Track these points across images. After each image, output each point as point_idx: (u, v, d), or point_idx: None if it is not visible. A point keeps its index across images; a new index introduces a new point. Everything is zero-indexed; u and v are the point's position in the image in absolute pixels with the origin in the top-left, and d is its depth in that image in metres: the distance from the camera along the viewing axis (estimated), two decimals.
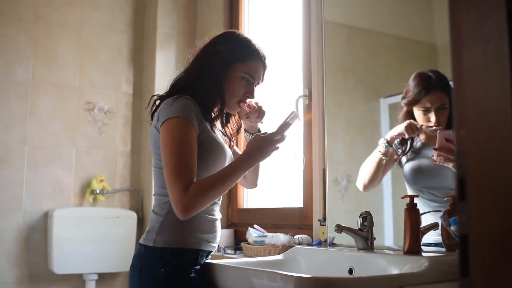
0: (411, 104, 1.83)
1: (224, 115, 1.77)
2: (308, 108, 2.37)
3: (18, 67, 3.07)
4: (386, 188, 2.13)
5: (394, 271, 1.47)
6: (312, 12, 2.34)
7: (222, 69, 1.65)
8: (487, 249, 0.79)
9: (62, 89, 3.17)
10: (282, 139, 1.63)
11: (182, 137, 1.54)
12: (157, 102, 1.68)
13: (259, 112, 1.77)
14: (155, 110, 1.66)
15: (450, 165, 1.64)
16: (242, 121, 1.83)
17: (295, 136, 2.52)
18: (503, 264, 0.76)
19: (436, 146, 1.63)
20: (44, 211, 3.04)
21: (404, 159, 1.91)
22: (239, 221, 2.88)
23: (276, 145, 1.62)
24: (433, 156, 1.66)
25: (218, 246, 2.52)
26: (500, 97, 0.79)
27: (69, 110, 3.18)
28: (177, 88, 1.67)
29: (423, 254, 1.55)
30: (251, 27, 3.05)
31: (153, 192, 1.68)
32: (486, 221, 0.79)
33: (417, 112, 1.83)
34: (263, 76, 1.73)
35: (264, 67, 1.72)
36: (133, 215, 3.16)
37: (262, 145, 1.60)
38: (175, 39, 3.30)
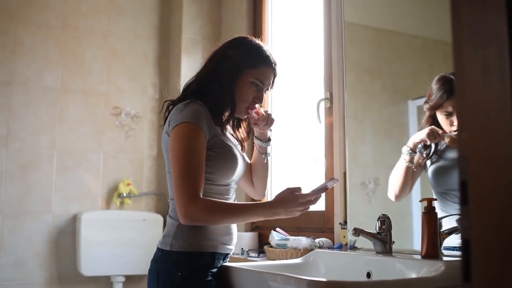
0: (433, 108, 1.81)
1: (235, 120, 1.78)
2: (329, 111, 2.36)
3: (47, 74, 3.15)
4: (415, 192, 2.10)
5: (411, 275, 1.45)
6: (332, 14, 2.33)
7: (233, 74, 1.66)
8: (488, 253, 0.77)
9: (89, 94, 3.25)
10: (313, 201, 1.63)
11: (191, 143, 1.55)
12: (170, 107, 1.70)
13: (267, 120, 1.77)
14: (168, 115, 1.68)
15: None
16: (252, 127, 1.83)
17: (316, 139, 2.52)
18: (505, 269, 0.75)
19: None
20: (73, 214, 3.11)
21: (428, 162, 1.88)
22: (263, 224, 2.88)
23: (305, 207, 1.61)
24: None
25: (242, 249, 2.55)
26: (501, 100, 0.78)
27: (96, 115, 3.25)
28: (189, 92, 1.69)
29: (442, 258, 1.53)
30: (274, 31, 3.06)
31: (169, 197, 1.69)
32: (487, 225, 0.78)
33: (440, 116, 1.80)
34: (273, 83, 1.74)
35: (275, 74, 1.73)
36: (159, 218, 3.20)
37: (288, 203, 1.60)
38: (200, 44, 3.33)
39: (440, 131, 1.79)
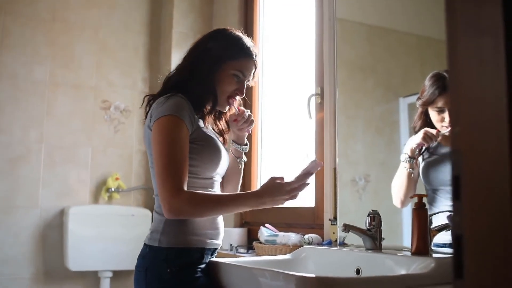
0: (425, 104, 1.81)
1: (217, 112, 1.77)
2: (320, 106, 2.35)
3: (36, 67, 3.11)
4: None
5: (401, 271, 1.44)
6: (324, 10, 2.32)
7: (214, 66, 1.65)
8: (481, 249, 0.76)
9: (79, 88, 3.21)
10: (300, 188, 1.59)
11: (173, 135, 1.53)
12: (151, 101, 1.68)
13: (247, 119, 1.76)
14: (149, 109, 1.66)
15: None
16: (231, 128, 1.82)
17: (307, 134, 2.51)
18: (497, 265, 0.74)
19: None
20: (60, 208, 3.08)
21: (420, 159, 1.88)
22: (252, 220, 2.87)
23: (291, 195, 1.58)
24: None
25: (231, 245, 2.53)
26: (496, 92, 0.76)
27: (85, 109, 3.22)
28: (170, 86, 1.67)
29: (432, 255, 1.52)
30: (266, 26, 3.04)
31: (154, 193, 1.67)
32: (480, 220, 0.77)
33: (432, 113, 1.80)
34: (254, 74, 1.73)
35: (255, 65, 1.71)
36: (148, 213, 3.18)
37: (275, 192, 1.57)
38: (191, 39, 3.29)
39: (435, 131, 1.79)
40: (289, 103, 2.77)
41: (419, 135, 1.80)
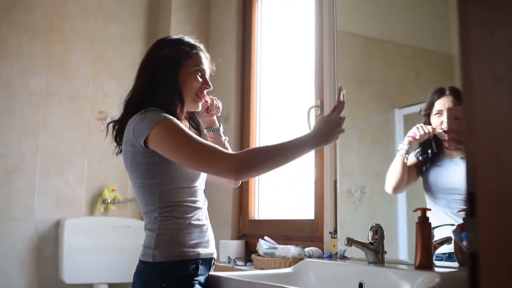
0: (427, 109, 1.87)
1: (189, 116, 1.78)
2: None
3: (32, 77, 3.09)
4: (401, 200, 2.10)
5: (405, 286, 1.44)
6: (324, 22, 2.32)
7: (173, 70, 1.66)
8: (497, 267, 0.76)
9: (75, 99, 3.19)
10: (343, 120, 1.62)
11: (181, 127, 1.55)
12: (115, 127, 1.70)
13: (213, 108, 1.81)
14: (118, 135, 1.68)
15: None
16: (200, 119, 1.84)
17: None
18: None
19: (446, 128, 1.59)
20: (56, 220, 3.05)
21: (424, 169, 1.89)
22: (250, 233, 2.85)
23: (342, 127, 1.61)
24: (445, 142, 1.63)
25: (229, 257, 2.52)
26: (510, 110, 0.76)
27: (81, 120, 3.20)
28: (132, 106, 1.66)
29: (435, 269, 1.51)
30: (264, 37, 3.05)
31: (142, 211, 1.66)
32: (496, 238, 0.76)
33: (433, 119, 1.85)
34: (211, 65, 1.76)
35: (207, 56, 1.75)
36: None
37: (331, 130, 1.59)
38: None
39: (430, 127, 1.83)
40: (288, 115, 2.77)
41: (413, 128, 1.87)
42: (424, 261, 1.51)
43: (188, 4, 3.36)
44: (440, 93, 1.84)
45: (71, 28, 3.22)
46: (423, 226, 1.54)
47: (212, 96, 1.80)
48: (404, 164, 1.90)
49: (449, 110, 1.61)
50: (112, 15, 3.36)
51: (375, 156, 2.22)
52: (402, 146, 1.92)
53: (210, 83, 1.74)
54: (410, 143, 1.89)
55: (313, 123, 2.36)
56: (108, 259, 3.00)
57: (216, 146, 1.56)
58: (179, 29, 3.26)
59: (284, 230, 2.58)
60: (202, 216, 1.65)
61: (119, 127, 1.69)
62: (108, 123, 1.74)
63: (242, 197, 2.94)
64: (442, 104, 1.81)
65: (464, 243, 1.26)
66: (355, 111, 2.26)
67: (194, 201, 1.64)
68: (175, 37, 1.76)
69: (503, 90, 0.77)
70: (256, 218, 2.90)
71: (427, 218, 1.56)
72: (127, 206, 3.27)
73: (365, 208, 2.20)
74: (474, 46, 0.81)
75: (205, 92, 1.73)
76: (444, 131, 1.68)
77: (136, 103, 1.65)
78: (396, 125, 2.12)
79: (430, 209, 1.60)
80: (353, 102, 2.24)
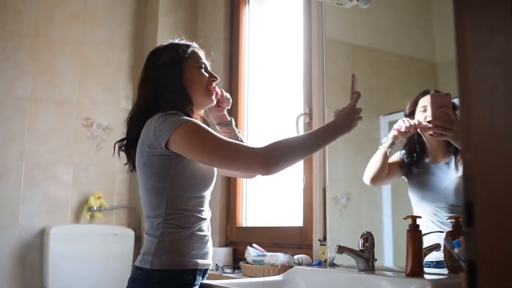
0: (411, 108, 1.89)
1: (206, 111, 1.80)
2: (308, 126, 2.35)
3: (17, 83, 3.06)
4: (386, 207, 2.11)
5: None
6: (313, 30, 2.33)
7: (178, 72, 1.67)
8: (495, 275, 0.76)
9: (61, 105, 3.16)
10: (361, 109, 1.63)
11: (208, 128, 1.56)
12: (122, 144, 1.70)
13: (223, 99, 1.82)
14: (129, 148, 1.68)
15: (449, 136, 1.59)
16: (211, 116, 1.85)
17: None
18: None
19: (430, 117, 1.60)
20: (41, 228, 3.00)
21: (409, 175, 1.90)
22: (238, 240, 2.84)
23: (360, 115, 1.62)
24: (429, 129, 1.63)
25: (216, 265, 2.50)
26: (508, 118, 0.77)
27: (67, 126, 3.17)
28: (139, 117, 1.65)
29: (426, 276, 1.52)
30: (252, 44, 3.05)
31: (145, 214, 1.65)
32: (494, 247, 0.77)
33: (417, 115, 1.86)
34: (208, 58, 1.79)
35: (203, 52, 1.78)
36: (131, 233, 3.13)
37: (351, 116, 1.60)
38: None
39: (415, 120, 1.84)
40: (276, 122, 2.77)
41: (399, 121, 1.87)
42: (415, 268, 1.52)
43: (175, 10, 3.35)
44: (424, 93, 1.86)
45: (57, 33, 3.19)
46: (414, 234, 1.55)
47: (222, 90, 1.81)
48: (386, 155, 1.90)
49: (432, 97, 1.62)
50: (99, 21, 3.34)
51: (360, 163, 2.23)
52: (386, 139, 1.92)
53: (215, 75, 1.75)
54: (395, 137, 1.89)
55: (301, 131, 2.37)
56: (93, 267, 2.96)
57: (240, 142, 1.60)
58: (166, 35, 3.25)
59: (272, 238, 2.58)
60: (205, 227, 1.64)
61: (128, 141, 1.68)
62: (115, 144, 1.73)
63: (229, 204, 2.93)
64: (426, 100, 1.83)
65: (456, 250, 1.27)
66: None
67: (200, 211, 1.63)
68: (166, 43, 1.76)
69: (501, 99, 0.78)
70: (244, 225, 2.89)
71: (418, 226, 1.56)
72: (113, 214, 3.24)
73: (351, 214, 2.21)
74: (471, 55, 0.82)
75: (213, 84, 1.73)
76: (428, 121, 1.69)
77: (143, 113, 1.63)
78: (381, 132, 2.14)
79: (420, 217, 1.61)
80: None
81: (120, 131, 3.29)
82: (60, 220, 3.06)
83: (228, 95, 1.83)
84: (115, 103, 3.32)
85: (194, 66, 1.70)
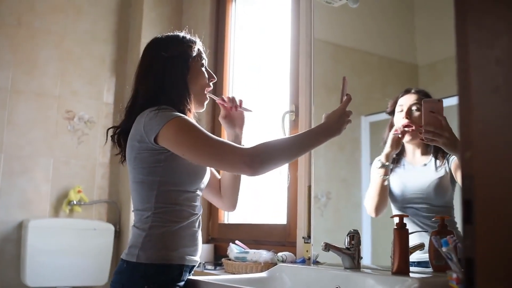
0: (392, 106, 1.91)
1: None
2: (294, 124, 2.35)
3: None
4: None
5: None
6: (301, 29, 2.33)
7: (184, 70, 1.65)
8: (493, 273, 0.77)
9: (42, 97, 3.11)
10: (350, 112, 1.63)
11: (197, 125, 1.54)
12: (117, 131, 1.68)
13: (233, 100, 1.81)
14: (120, 137, 1.65)
15: (440, 142, 1.58)
16: (226, 130, 1.82)
17: None
18: None
19: (422, 122, 1.60)
20: (19, 221, 2.95)
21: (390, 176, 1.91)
22: (220, 236, 2.83)
23: (348, 119, 1.62)
24: (420, 134, 1.64)
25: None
26: (508, 117, 0.78)
27: (48, 118, 3.11)
28: (139, 108, 1.61)
29: (411, 275, 1.54)
30: (238, 41, 3.04)
31: (132, 208, 1.63)
32: (493, 244, 0.78)
33: (396, 116, 1.88)
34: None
35: (203, 46, 1.76)
36: (110, 228, 3.09)
37: (340, 120, 1.60)
38: None
39: (399, 128, 1.83)
40: (261, 120, 2.76)
41: (388, 143, 1.85)
42: (402, 267, 1.53)
43: (160, 4, 3.32)
44: (405, 91, 1.88)
45: (40, 24, 3.14)
46: (401, 232, 1.56)
47: (223, 97, 1.80)
48: (384, 186, 1.87)
49: (424, 102, 1.62)
50: (82, 12, 3.28)
51: (341, 162, 2.25)
52: (380, 165, 1.88)
53: (214, 74, 1.74)
54: (387, 158, 1.87)
55: (287, 129, 2.37)
56: (72, 262, 2.92)
57: (229, 141, 1.57)
58: (150, 30, 3.22)
59: (255, 235, 2.57)
60: (196, 223, 1.63)
61: (122, 130, 1.66)
62: (108, 129, 1.70)
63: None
64: (404, 101, 1.85)
65: (444, 249, 1.28)
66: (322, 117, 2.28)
67: (192, 206, 1.61)
68: (171, 34, 1.73)
69: (502, 99, 0.79)
70: (226, 222, 2.88)
71: (405, 224, 1.58)
72: (93, 208, 3.20)
73: (331, 213, 2.22)
74: (472, 55, 0.82)
75: (211, 84, 1.73)
76: (419, 126, 1.69)
77: (142, 105, 1.61)
78: (362, 132, 2.15)
79: (408, 216, 1.62)
80: (321, 108, 2.26)
81: (102, 125, 3.25)
82: (38, 213, 3.01)
83: (234, 98, 1.82)
84: (97, 96, 3.28)
85: (197, 65, 1.68)
